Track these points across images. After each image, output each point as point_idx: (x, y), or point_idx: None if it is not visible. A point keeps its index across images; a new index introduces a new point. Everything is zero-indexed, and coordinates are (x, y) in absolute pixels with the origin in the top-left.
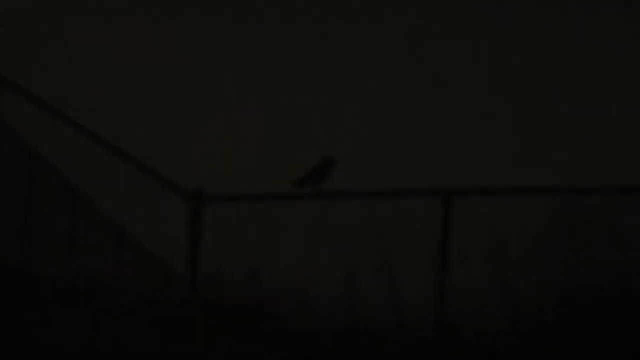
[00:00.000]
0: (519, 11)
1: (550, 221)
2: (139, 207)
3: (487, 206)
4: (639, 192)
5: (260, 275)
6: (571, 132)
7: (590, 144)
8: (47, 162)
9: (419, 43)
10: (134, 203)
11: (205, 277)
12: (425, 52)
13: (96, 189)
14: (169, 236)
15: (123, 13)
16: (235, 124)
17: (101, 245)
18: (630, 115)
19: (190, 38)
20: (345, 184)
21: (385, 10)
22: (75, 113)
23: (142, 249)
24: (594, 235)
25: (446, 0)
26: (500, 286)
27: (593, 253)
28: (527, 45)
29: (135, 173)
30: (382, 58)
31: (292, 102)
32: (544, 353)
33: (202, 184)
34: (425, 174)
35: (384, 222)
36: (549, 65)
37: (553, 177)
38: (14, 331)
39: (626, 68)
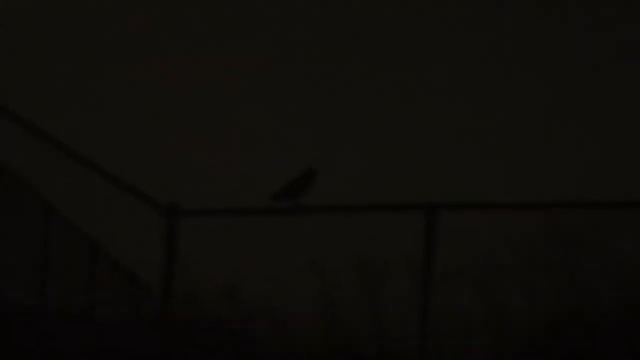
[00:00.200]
0: (503, 32)
1: (540, 237)
2: (113, 222)
3: (474, 221)
4: (631, 208)
5: (236, 292)
6: (561, 147)
7: (583, 158)
8: (20, 177)
9: (403, 56)
10: (108, 218)
11: (180, 294)
12: (410, 64)
13: (70, 204)
14: (144, 251)
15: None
16: (211, 137)
17: (75, 260)
18: (624, 129)
19: (164, 52)
20: (323, 199)
21: (363, 28)
22: (49, 127)
23: (117, 265)
24: (584, 252)
25: (433, 15)
26: (487, 304)
27: (584, 270)
28: (515, 56)
29: (110, 188)
30: (363, 69)
31: (270, 114)
32: None
33: (178, 199)
34: (409, 187)
35: (364, 238)
36: (533, 77)
37: (544, 192)
38: None
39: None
